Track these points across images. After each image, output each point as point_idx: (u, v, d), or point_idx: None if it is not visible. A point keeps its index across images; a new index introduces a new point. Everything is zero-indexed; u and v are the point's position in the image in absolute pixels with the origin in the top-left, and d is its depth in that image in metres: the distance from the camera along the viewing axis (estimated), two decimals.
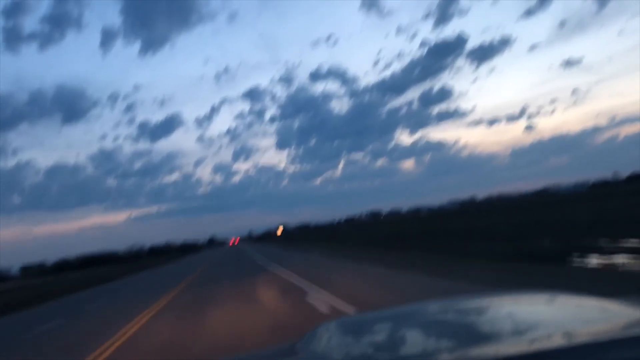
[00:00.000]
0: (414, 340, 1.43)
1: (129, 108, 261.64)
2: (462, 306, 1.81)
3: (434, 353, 1.22)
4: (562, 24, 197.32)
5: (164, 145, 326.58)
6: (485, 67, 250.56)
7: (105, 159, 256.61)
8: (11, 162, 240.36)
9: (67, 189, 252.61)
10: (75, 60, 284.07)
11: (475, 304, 1.82)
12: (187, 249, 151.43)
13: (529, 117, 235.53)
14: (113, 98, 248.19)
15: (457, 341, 1.30)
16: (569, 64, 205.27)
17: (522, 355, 1.04)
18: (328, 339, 1.56)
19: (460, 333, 1.37)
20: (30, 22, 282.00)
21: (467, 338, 1.30)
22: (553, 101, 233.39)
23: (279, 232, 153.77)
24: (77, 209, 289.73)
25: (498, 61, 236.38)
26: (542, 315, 1.49)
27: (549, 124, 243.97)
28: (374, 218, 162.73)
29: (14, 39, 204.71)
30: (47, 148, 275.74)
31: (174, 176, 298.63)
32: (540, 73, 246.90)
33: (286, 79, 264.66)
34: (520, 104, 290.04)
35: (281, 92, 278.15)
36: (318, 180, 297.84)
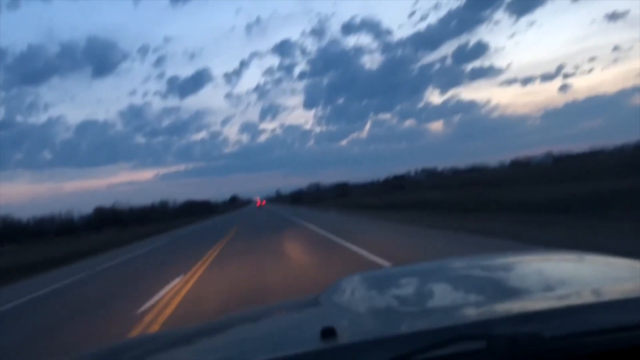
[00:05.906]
0: (441, 294, 1.42)
1: (159, 61, 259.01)
2: (489, 263, 1.79)
3: (461, 307, 1.20)
4: None
5: (193, 102, 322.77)
6: (525, 20, 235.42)
7: (134, 115, 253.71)
8: (42, 118, 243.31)
9: (96, 145, 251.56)
10: (107, 10, 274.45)
11: (502, 261, 1.80)
12: (198, 211, 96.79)
13: (565, 76, 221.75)
14: (143, 50, 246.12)
15: (485, 296, 1.29)
16: (613, 17, 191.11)
17: (551, 311, 1.03)
18: (352, 291, 1.56)
19: (488, 288, 1.37)
20: None
21: (494, 293, 1.29)
22: (592, 59, 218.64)
23: None
24: (105, 166, 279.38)
25: (539, 14, 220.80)
26: (571, 273, 1.48)
27: (585, 84, 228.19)
28: (429, 177, 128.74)
29: None
30: (77, 103, 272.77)
31: (201, 134, 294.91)
32: (582, 28, 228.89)
33: (318, 31, 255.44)
34: (557, 61, 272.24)
35: (312, 45, 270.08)
36: (344, 142, 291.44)
